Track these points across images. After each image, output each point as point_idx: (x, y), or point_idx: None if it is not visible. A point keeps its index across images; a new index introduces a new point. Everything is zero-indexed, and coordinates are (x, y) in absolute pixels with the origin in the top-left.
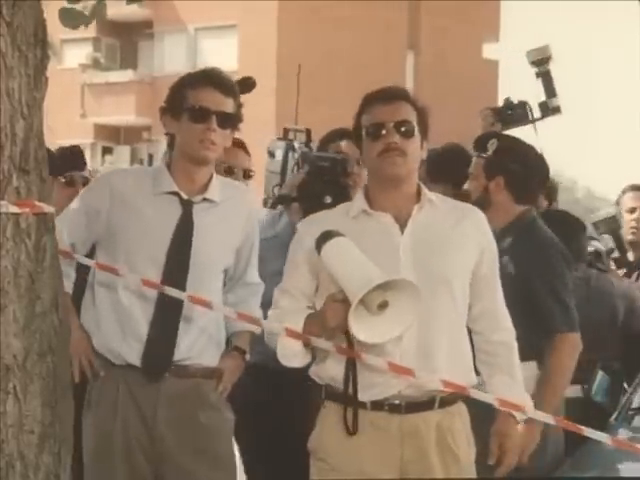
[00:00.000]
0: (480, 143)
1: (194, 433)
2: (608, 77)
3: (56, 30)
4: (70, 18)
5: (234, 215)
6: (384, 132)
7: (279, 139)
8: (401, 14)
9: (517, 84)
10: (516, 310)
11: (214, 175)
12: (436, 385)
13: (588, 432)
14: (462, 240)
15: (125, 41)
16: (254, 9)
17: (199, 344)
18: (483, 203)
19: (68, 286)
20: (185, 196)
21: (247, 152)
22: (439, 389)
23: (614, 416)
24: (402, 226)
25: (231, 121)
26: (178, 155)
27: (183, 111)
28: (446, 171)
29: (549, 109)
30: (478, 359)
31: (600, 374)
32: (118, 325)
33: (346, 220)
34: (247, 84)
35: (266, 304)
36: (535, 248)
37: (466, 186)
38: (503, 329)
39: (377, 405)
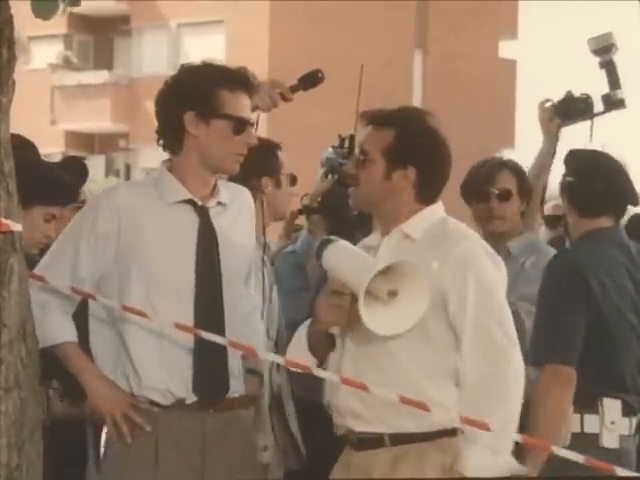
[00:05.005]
0: None
1: (242, 470)
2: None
3: (23, 27)
4: (43, 8)
5: (243, 216)
6: None
7: (333, 147)
8: (408, 10)
9: (538, 85)
10: None
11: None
12: (394, 398)
13: (621, 472)
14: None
15: (99, 38)
16: (243, 3)
17: (237, 370)
18: None
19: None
20: (200, 202)
21: None
22: (396, 401)
23: None
24: None
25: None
26: (196, 160)
27: (218, 116)
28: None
29: (612, 102)
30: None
31: None
32: (159, 361)
33: None
34: (314, 79)
35: (288, 324)
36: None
37: None
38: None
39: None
